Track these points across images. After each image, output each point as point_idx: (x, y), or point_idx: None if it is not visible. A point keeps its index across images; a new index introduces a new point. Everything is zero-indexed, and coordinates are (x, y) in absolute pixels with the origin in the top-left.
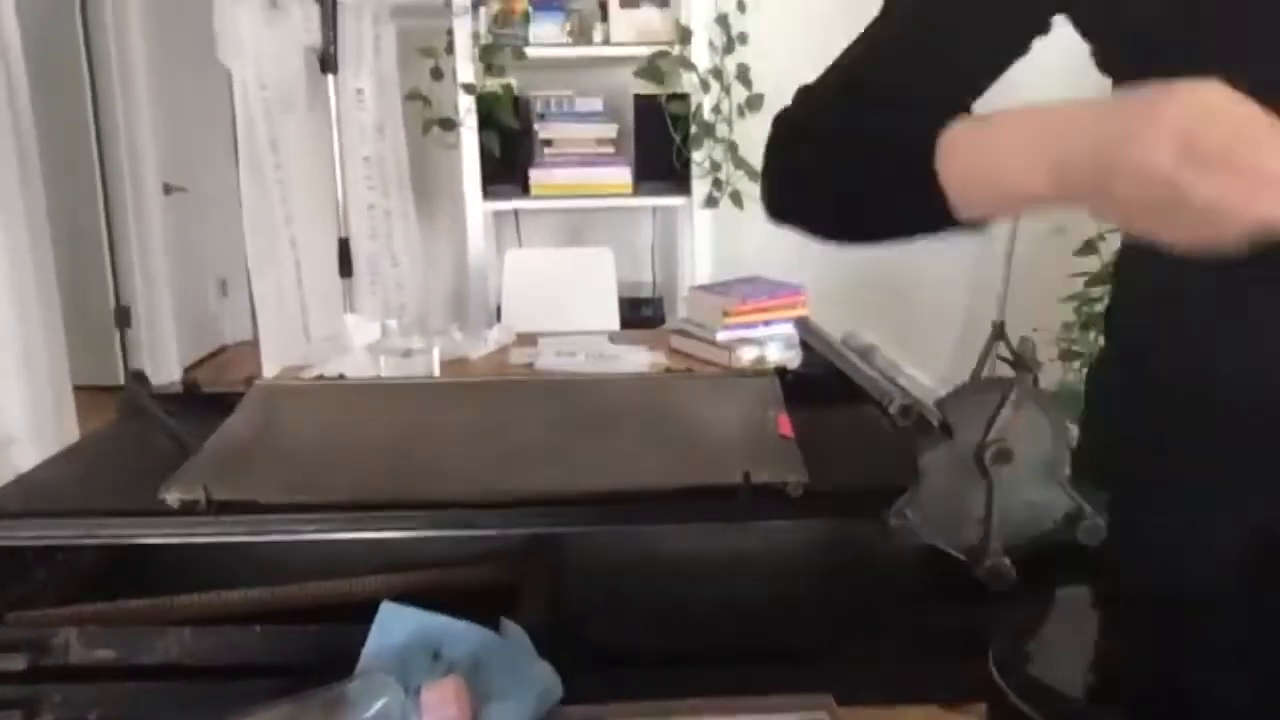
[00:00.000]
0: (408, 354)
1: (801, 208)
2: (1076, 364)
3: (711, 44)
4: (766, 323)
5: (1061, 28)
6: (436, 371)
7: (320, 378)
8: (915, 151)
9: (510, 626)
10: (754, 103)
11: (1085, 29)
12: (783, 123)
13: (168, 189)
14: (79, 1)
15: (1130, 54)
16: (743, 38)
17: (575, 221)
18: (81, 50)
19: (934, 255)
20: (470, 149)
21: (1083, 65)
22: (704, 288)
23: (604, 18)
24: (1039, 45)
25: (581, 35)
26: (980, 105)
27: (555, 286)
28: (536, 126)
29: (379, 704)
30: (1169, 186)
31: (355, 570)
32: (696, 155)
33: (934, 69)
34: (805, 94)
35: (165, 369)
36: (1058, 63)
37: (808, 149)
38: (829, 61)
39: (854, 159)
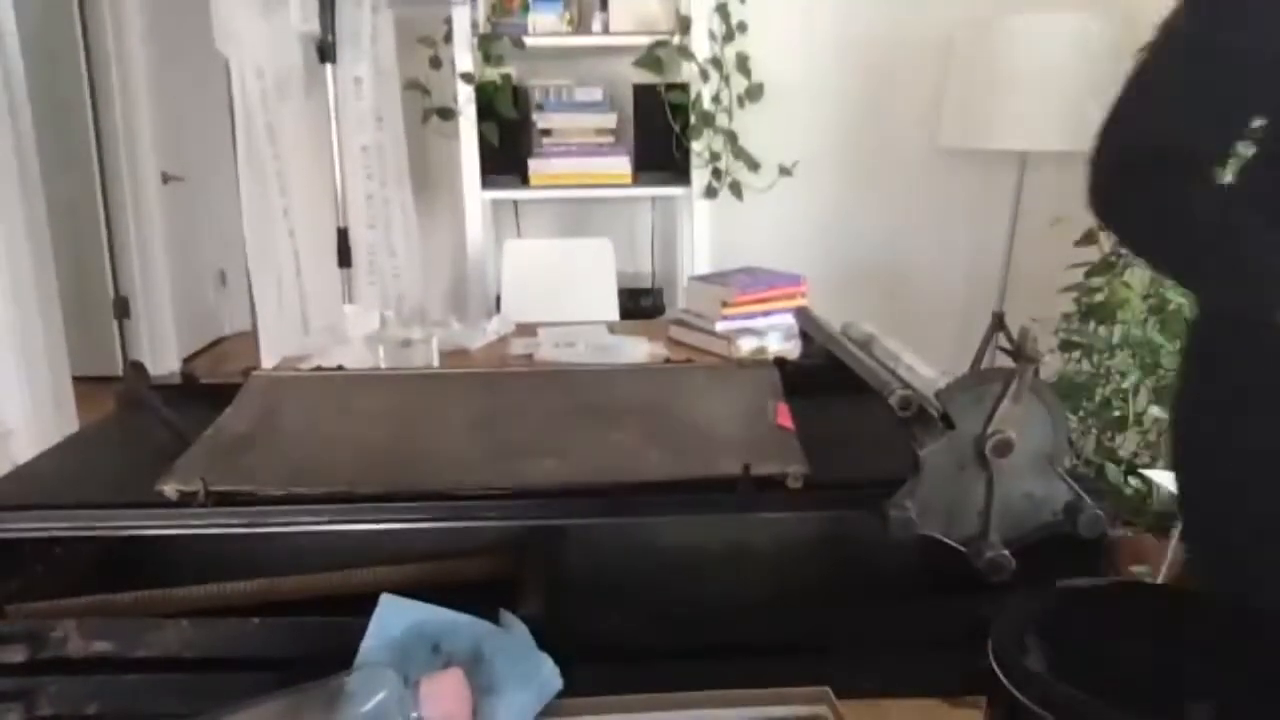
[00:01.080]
0: (406, 345)
1: (1148, 256)
2: (1076, 354)
3: (711, 33)
4: (766, 313)
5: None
6: (435, 362)
7: (319, 369)
8: None
9: (510, 619)
10: (754, 92)
11: None
12: (1105, 190)
13: (166, 178)
14: None
15: None
16: (742, 27)
17: (574, 212)
18: (79, 39)
19: (934, 246)
20: (469, 139)
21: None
22: (703, 278)
23: (603, 7)
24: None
25: (580, 24)
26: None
27: (554, 277)
28: (535, 116)
29: (378, 697)
30: None
31: (354, 562)
32: (696, 145)
33: (1210, 122)
34: (1117, 157)
35: (164, 360)
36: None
37: (1145, 225)
38: (826, 52)
39: (1208, 254)
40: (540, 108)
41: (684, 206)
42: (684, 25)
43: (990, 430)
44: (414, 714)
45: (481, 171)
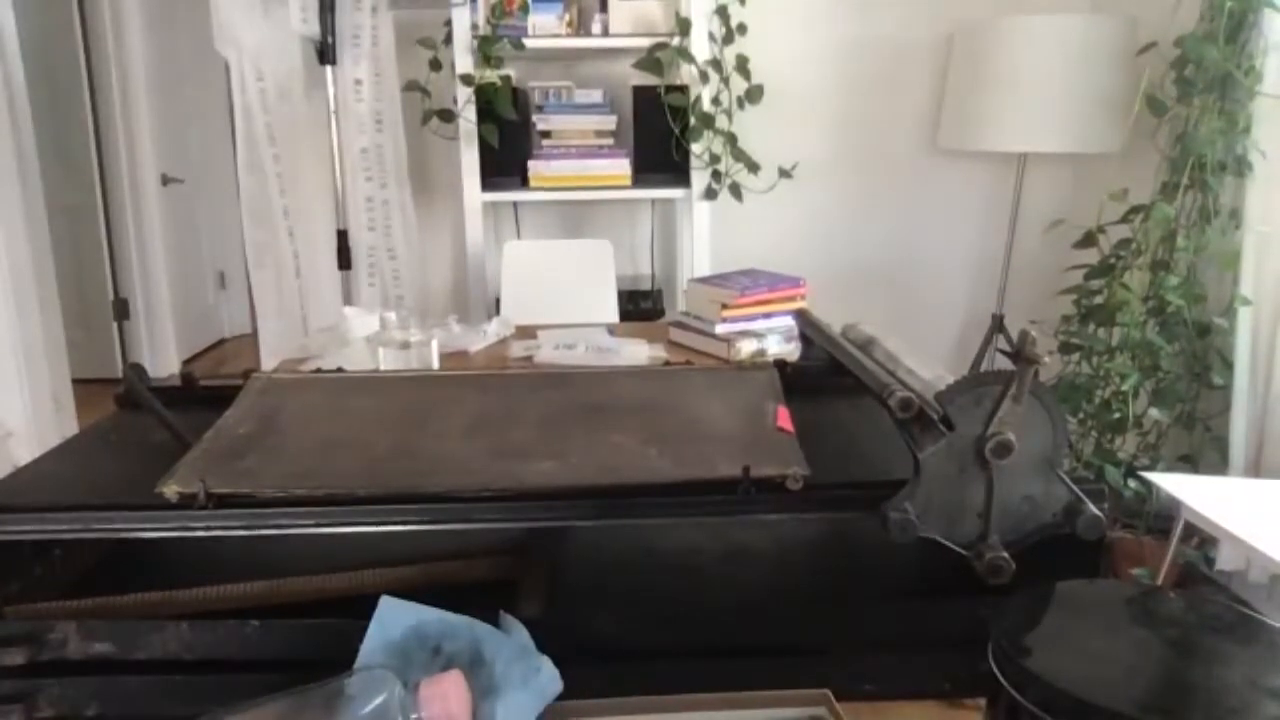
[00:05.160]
0: (406, 346)
1: None
2: (1075, 356)
3: (711, 35)
4: (766, 315)
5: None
6: (435, 364)
7: (318, 370)
8: None
9: (510, 621)
10: (753, 94)
11: None
12: None
13: (165, 180)
14: None
15: None
16: (742, 29)
17: (574, 213)
18: (79, 42)
19: (933, 248)
20: (469, 141)
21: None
22: (703, 280)
23: (603, 9)
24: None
25: (580, 26)
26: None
27: (554, 279)
28: (535, 118)
29: (378, 699)
30: None
31: (354, 564)
32: (695, 147)
33: None
34: None
35: (164, 362)
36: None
37: None
38: (826, 54)
39: None
40: (540, 109)
41: (684, 208)
42: (684, 27)
43: (990, 432)
44: (414, 716)
45: (481, 173)
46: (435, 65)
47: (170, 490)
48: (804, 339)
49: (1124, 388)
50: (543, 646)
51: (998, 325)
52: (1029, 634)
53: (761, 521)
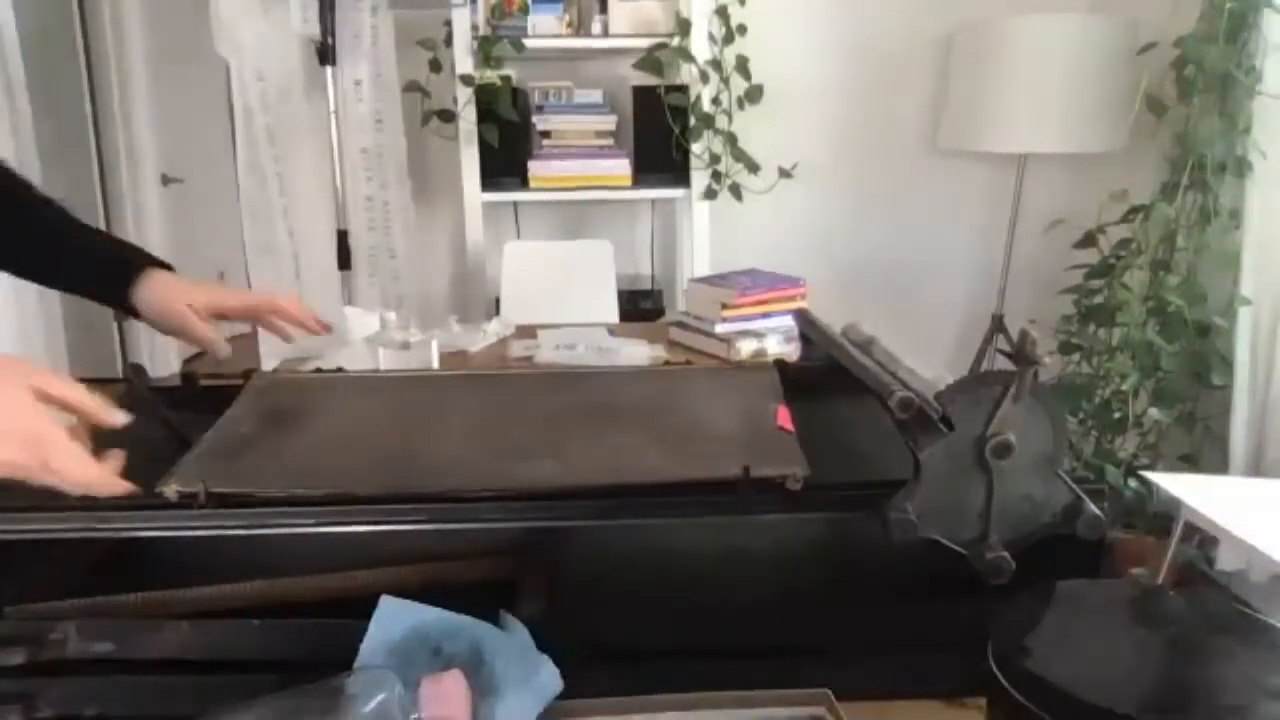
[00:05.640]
0: (406, 346)
1: None
2: (1075, 357)
3: (711, 35)
4: (766, 315)
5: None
6: (435, 364)
7: (318, 370)
8: None
9: (510, 621)
10: (753, 94)
11: None
12: None
13: (165, 180)
14: None
15: None
16: (742, 29)
17: (574, 214)
18: (79, 41)
19: (934, 248)
20: (469, 141)
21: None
22: (703, 280)
23: (603, 9)
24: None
25: (580, 27)
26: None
27: (554, 279)
28: (535, 118)
29: (378, 698)
30: None
31: (354, 564)
32: (696, 147)
33: None
34: None
35: (164, 362)
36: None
37: None
38: (826, 54)
39: None
40: (540, 110)
41: (684, 208)
42: (683, 28)
43: (990, 432)
44: (414, 715)
45: (481, 173)
46: (435, 66)
47: (170, 490)
48: (804, 339)
49: (1124, 388)
50: (543, 646)
51: (998, 325)
52: (1029, 634)
53: (761, 521)
